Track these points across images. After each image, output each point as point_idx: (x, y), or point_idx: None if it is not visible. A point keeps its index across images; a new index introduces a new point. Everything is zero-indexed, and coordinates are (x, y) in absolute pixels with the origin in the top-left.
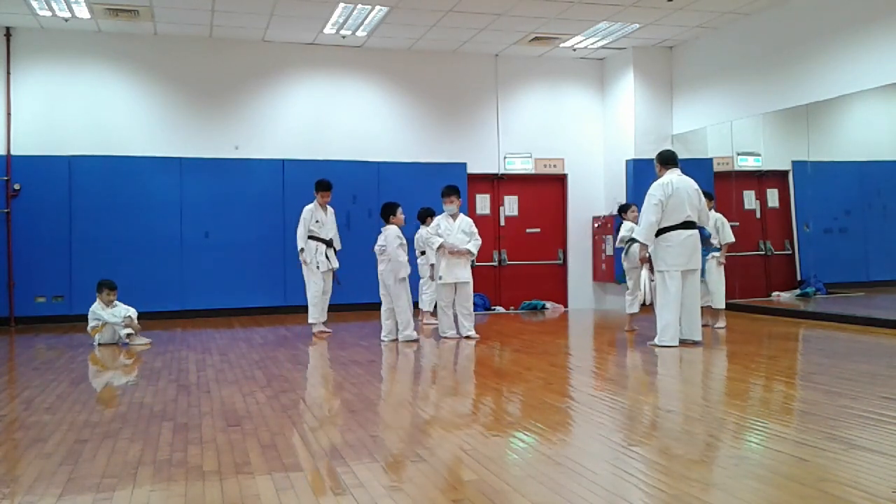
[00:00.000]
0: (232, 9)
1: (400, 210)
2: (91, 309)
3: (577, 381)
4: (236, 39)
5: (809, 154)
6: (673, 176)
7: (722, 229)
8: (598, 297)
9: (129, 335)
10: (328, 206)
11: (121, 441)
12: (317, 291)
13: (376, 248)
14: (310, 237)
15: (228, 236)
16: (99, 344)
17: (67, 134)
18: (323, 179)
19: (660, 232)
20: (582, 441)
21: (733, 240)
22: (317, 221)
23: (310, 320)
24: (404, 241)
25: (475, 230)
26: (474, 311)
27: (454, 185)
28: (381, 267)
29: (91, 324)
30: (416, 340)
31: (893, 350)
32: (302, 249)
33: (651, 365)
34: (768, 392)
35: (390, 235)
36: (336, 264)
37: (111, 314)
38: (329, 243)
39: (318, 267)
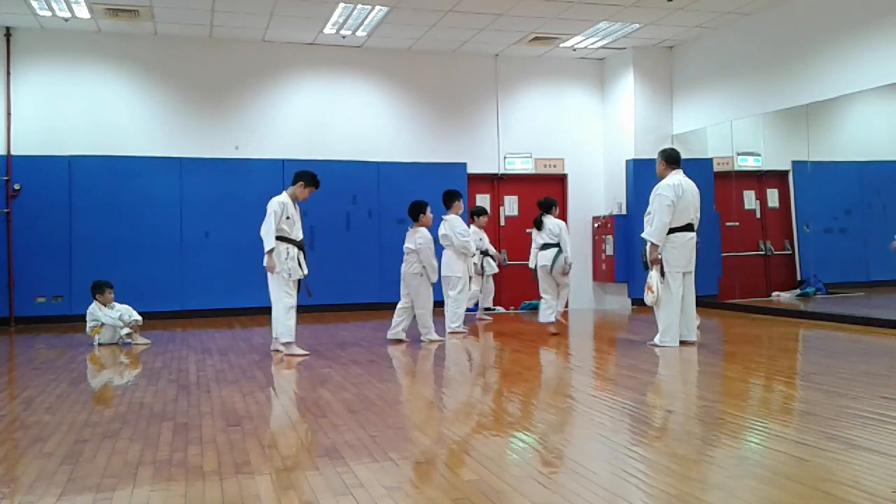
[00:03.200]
0: (232, 9)
1: (429, 209)
2: (88, 310)
3: (577, 381)
4: (236, 39)
5: (809, 154)
6: (680, 177)
7: None
8: (599, 297)
9: (129, 335)
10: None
11: (121, 441)
12: (288, 304)
13: (405, 247)
14: (278, 237)
15: (228, 236)
16: (99, 344)
17: (67, 134)
18: (314, 173)
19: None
20: (582, 441)
21: None
22: (287, 218)
23: (282, 339)
24: (432, 245)
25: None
26: (474, 310)
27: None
28: (405, 267)
29: (89, 324)
30: (441, 340)
31: (893, 350)
32: (271, 251)
33: (651, 365)
34: (768, 392)
35: (423, 239)
36: (306, 271)
37: (108, 315)
38: (300, 246)
39: (288, 275)
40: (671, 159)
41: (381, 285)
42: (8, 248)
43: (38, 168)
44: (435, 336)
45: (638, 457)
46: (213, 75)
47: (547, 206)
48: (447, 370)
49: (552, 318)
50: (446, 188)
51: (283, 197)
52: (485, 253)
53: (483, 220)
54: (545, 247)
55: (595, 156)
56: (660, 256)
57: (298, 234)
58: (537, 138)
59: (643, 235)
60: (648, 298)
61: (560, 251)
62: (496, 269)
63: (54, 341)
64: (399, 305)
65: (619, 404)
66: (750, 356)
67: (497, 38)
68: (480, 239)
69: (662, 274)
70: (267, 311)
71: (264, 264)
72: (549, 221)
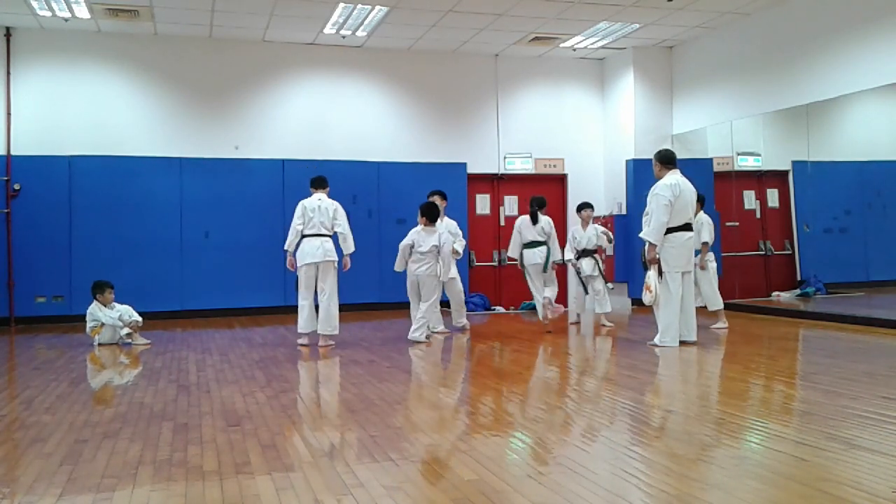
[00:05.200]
0: (232, 9)
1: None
2: (88, 310)
3: (577, 381)
4: (236, 39)
5: (809, 154)
6: (677, 177)
7: (702, 229)
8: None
9: (129, 335)
10: None
11: (121, 441)
12: None
13: (424, 249)
14: (331, 235)
15: (228, 236)
16: (99, 344)
17: (67, 134)
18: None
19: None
20: (582, 441)
21: (709, 240)
22: None
23: (336, 332)
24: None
25: (459, 231)
26: (475, 311)
27: (438, 189)
28: (422, 269)
29: (90, 325)
30: (427, 342)
31: (893, 350)
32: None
33: (651, 365)
34: (768, 392)
35: (444, 236)
36: None
37: (108, 315)
38: None
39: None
40: (666, 160)
41: (380, 285)
42: (8, 248)
43: (38, 168)
44: (421, 336)
45: (638, 457)
46: (213, 75)
47: (543, 204)
48: (447, 370)
49: (549, 317)
50: (448, 188)
51: None
52: (585, 253)
53: (585, 213)
54: (532, 244)
55: (595, 156)
56: (658, 256)
57: None
58: (537, 138)
59: (641, 235)
60: (647, 298)
61: (549, 250)
62: (589, 272)
63: (54, 341)
64: (412, 307)
65: (619, 404)
66: (750, 356)
67: (497, 38)
68: (574, 238)
69: (661, 273)
70: (267, 311)
71: (347, 263)
72: (543, 219)
